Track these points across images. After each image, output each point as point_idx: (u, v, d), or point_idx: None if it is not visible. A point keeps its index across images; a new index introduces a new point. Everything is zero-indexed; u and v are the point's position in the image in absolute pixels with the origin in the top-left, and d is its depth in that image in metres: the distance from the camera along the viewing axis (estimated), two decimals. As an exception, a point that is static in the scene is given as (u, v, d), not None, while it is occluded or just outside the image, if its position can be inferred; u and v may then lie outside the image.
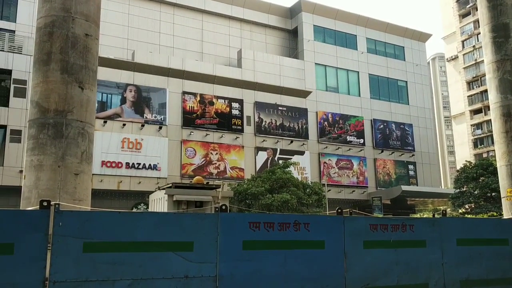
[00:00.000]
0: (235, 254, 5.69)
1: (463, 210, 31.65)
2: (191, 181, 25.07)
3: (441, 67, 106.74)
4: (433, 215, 7.52)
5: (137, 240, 5.19)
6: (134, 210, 26.96)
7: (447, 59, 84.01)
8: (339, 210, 6.46)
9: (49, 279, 4.74)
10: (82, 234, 4.93)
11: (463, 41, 73.88)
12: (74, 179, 9.09)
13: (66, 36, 9.39)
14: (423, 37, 43.47)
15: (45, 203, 4.87)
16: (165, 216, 6.08)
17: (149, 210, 15.29)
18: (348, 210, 6.74)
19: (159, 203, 12.80)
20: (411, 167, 39.13)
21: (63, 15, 9.44)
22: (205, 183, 14.29)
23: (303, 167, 33.18)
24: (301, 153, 33.65)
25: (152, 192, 26.91)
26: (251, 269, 5.73)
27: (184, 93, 30.25)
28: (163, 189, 12.80)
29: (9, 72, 25.57)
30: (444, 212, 7.27)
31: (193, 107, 30.41)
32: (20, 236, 4.69)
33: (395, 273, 6.67)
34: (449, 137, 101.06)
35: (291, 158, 31.73)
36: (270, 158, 32.36)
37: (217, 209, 5.70)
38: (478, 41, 70.14)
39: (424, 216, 41.19)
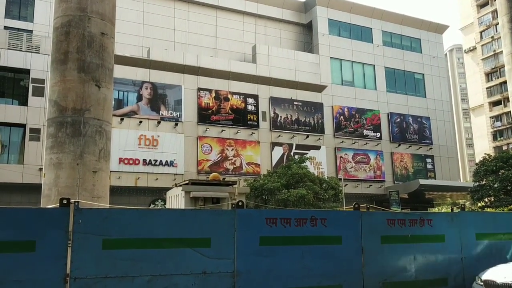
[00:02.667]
0: (252, 250, 5.72)
1: (483, 203, 31.20)
2: (207, 178, 25.22)
3: (458, 58, 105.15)
4: (452, 210, 7.44)
5: (155, 237, 5.25)
6: (152, 206, 27.22)
7: (465, 50, 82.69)
8: (356, 206, 6.43)
9: (70, 275, 4.83)
10: (101, 231, 5.01)
11: (481, 32, 72.62)
12: (93, 176, 9.21)
13: (83, 35, 9.50)
14: (440, 28, 42.84)
15: (65, 201, 4.95)
16: (183, 213, 6.13)
17: (167, 206, 15.43)
18: (365, 205, 6.72)
19: (176, 199, 12.91)
20: (428, 160, 38.70)
21: (79, 15, 9.55)
22: (221, 180, 14.34)
23: (319, 162, 33.06)
24: (317, 148, 33.52)
25: (169, 188, 27.15)
26: (269, 265, 5.75)
27: (199, 89, 30.35)
28: (180, 186, 12.89)
29: (27, 71, 25.94)
30: (463, 206, 7.19)
31: (209, 103, 30.50)
32: (42, 234, 4.78)
33: (413, 268, 6.64)
34: (468, 130, 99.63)
35: (307, 153, 31.62)
36: (286, 153, 32.31)
37: (234, 206, 5.73)
38: (496, 31, 68.87)
39: (443, 210, 40.73)
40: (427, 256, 6.76)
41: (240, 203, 5.76)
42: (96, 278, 4.92)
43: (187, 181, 12.84)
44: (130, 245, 5.13)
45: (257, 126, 31.70)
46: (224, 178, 16.55)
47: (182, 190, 12.17)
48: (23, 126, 25.61)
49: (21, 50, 25.87)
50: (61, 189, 8.92)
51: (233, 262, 5.58)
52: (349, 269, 6.20)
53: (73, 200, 5.01)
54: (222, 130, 30.52)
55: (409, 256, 6.61)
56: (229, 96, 31.16)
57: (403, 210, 25.76)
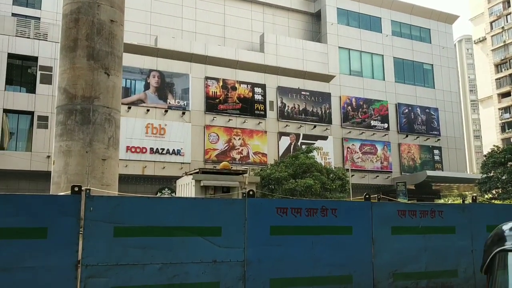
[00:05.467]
0: (263, 239, 5.70)
1: (490, 195, 31.08)
2: (214, 166, 25.25)
3: (467, 49, 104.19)
4: (463, 201, 7.38)
5: (166, 225, 5.24)
6: (159, 195, 27.33)
7: (474, 41, 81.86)
8: (367, 196, 6.39)
9: (81, 262, 4.84)
10: (112, 218, 5.01)
11: (491, 22, 71.75)
12: (102, 164, 9.22)
13: (92, 23, 9.45)
14: (450, 18, 42.37)
15: (76, 188, 4.94)
16: (194, 202, 6.11)
17: (177, 195, 15.48)
18: (376, 195, 6.68)
19: (186, 188, 12.92)
20: (436, 152, 38.51)
21: (88, 1, 9.48)
22: (231, 169, 14.34)
23: (326, 152, 32.98)
24: (324, 138, 33.42)
25: (175, 177, 27.20)
26: (279, 254, 5.74)
27: (206, 78, 30.27)
28: (191, 174, 12.89)
29: (35, 59, 25.96)
30: (474, 198, 7.13)
31: (216, 92, 30.43)
32: (53, 221, 4.78)
33: (423, 260, 6.60)
34: (476, 121, 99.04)
35: (314, 143, 31.52)
36: (293, 143, 32.26)
37: (244, 195, 5.71)
38: (507, 22, 68.08)
39: (449, 201, 40.60)
40: (437, 248, 6.72)
41: (251, 192, 5.73)
42: (107, 265, 4.93)
43: (198, 170, 12.84)
44: (141, 233, 5.13)
45: (264, 116, 31.63)
46: (232, 168, 16.57)
47: (192, 179, 12.17)
48: (31, 113, 25.70)
49: (29, 38, 25.88)
50: (71, 177, 8.94)
51: (244, 251, 5.56)
52: (359, 260, 6.18)
53: (85, 188, 5.00)
54: (229, 120, 30.48)
55: (419, 247, 6.57)
56: (237, 85, 31.06)
57: (409, 201, 25.72)
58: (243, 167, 26.34)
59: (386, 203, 6.82)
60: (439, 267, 6.69)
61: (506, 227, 2.53)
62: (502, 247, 2.36)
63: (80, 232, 4.89)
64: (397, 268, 6.39)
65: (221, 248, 5.45)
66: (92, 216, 4.92)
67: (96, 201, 5.02)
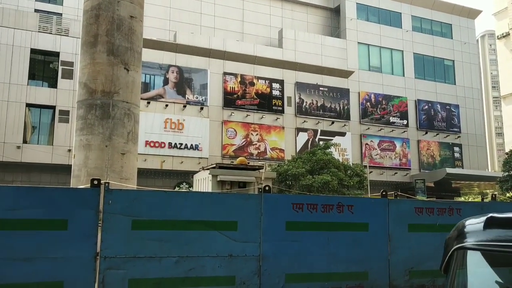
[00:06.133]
0: (278, 235, 5.73)
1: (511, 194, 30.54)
2: (232, 161, 25.35)
3: (490, 45, 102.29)
4: (482, 199, 7.30)
5: (183, 219, 5.31)
6: (176, 189, 27.57)
7: (497, 36, 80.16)
8: (384, 193, 6.37)
9: (100, 254, 4.94)
10: (131, 212, 5.09)
11: (515, 18, 70.10)
12: (121, 158, 9.36)
13: (112, 18, 9.57)
14: (472, 13, 41.60)
15: (95, 182, 5.04)
16: (211, 196, 6.18)
17: (194, 189, 15.62)
18: (393, 192, 6.65)
19: (203, 183, 13.03)
20: (456, 149, 37.97)
21: (109, -2, 9.61)
22: (248, 164, 14.39)
23: (344, 149, 32.82)
24: (342, 134, 33.26)
25: (193, 171, 27.36)
26: (294, 250, 5.77)
27: (225, 73, 30.36)
28: (207, 169, 13.00)
29: (57, 54, 26.38)
30: (494, 196, 7.04)
31: (234, 87, 30.50)
32: (73, 213, 4.89)
33: (440, 258, 6.55)
34: (498, 118, 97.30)
35: (332, 139, 31.41)
36: (310, 139, 32.17)
37: (260, 190, 5.74)
38: (531, 17, 66.48)
39: (469, 199, 40.02)
40: (455, 246, 6.66)
41: (267, 188, 5.77)
42: (125, 258, 5.02)
43: (214, 165, 12.93)
44: (158, 226, 5.21)
45: (282, 111, 31.60)
46: (248, 163, 16.64)
47: (209, 174, 12.27)
48: (53, 107, 26.14)
49: (51, 33, 26.30)
50: (90, 170, 9.10)
51: (259, 246, 5.60)
52: (375, 256, 6.16)
53: (104, 181, 5.10)
54: (247, 115, 30.53)
55: (436, 245, 6.51)
56: (255, 80, 31.08)
57: (428, 199, 25.45)
58: (260, 162, 26.36)
59: (403, 200, 6.78)
60: (456, 265, 6.63)
61: (467, 222, 2.31)
62: (461, 244, 2.19)
63: (99, 225, 5.00)
64: (414, 265, 6.36)
65: (237, 243, 5.50)
66: (111, 209, 5.01)
67: (114, 194, 5.11)
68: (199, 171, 14.54)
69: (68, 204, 4.91)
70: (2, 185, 5.23)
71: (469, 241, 2.15)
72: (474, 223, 2.24)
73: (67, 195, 5.04)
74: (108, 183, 5.11)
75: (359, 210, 6.14)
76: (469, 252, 2.14)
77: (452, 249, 2.19)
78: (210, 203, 5.56)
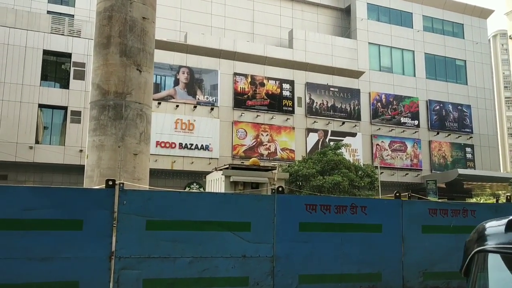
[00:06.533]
0: (292, 235, 5.73)
1: (524, 195, 30.20)
2: (242, 162, 25.38)
3: (502, 44, 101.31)
4: (497, 201, 7.23)
5: (197, 219, 5.33)
6: (187, 189, 27.65)
7: (509, 36, 79.42)
8: (397, 194, 6.34)
9: (114, 254, 4.97)
10: (145, 212, 5.12)
11: (528, 17, 69.43)
12: (133, 159, 9.42)
13: (125, 20, 9.64)
14: (484, 13, 41.22)
15: (110, 182, 5.07)
16: (224, 197, 6.19)
17: (206, 190, 15.67)
18: (406, 193, 6.61)
19: (216, 183, 13.07)
20: (468, 149, 37.64)
21: (121, -1, 9.67)
22: (260, 165, 14.40)
23: (355, 149, 32.69)
24: (353, 134, 33.13)
25: (204, 172, 27.41)
26: (308, 251, 5.76)
27: (235, 74, 30.39)
28: (220, 170, 13.03)
29: (69, 55, 26.59)
30: (508, 197, 6.97)
31: (244, 88, 30.52)
32: (88, 213, 4.93)
33: (454, 259, 6.49)
34: (510, 119, 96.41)
35: (342, 140, 31.29)
36: (321, 140, 32.09)
37: (273, 191, 5.74)
38: (545, 16, 65.75)
39: (481, 201, 39.64)
40: (469, 247, 6.60)
41: (280, 189, 5.76)
42: (139, 258, 5.05)
43: (227, 166, 12.96)
44: (172, 227, 5.23)
45: (292, 112, 31.57)
46: (260, 164, 16.68)
47: (222, 174, 12.30)
48: (65, 108, 26.35)
49: (63, 34, 26.52)
50: (103, 171, 9.17)
51: (273, 246, 5.61)
52: (389, 258, 6.14)
53: (118, 182, 5.13)
54: (257, 115, 30.53)
55: (451, 246, 6.47)
56: (265, 81, 31.08)
57: (440, 200, 25.27)
58: (270, 163, 26.37)
59: (416, 201, 6.74)
60: (470, 267, 6.57)
61: (488, 224, 2.29)
62: (482, 247, 2.16)
63: (114, 225, 5.03)
64: (427, 267, 6.33)
65: (250, 243, 5.51)
66: (125, 210, 5.04)
67: (129, 195, 5.15)
68: (212, 171, 14.59)
69: (83, 204, 4.95)
70: (18, 185, 5.28)
71: (490, 244, 2.12)
72: (495, 226, 2.22)
73: (83, 196, 5.09)
74: (123, 183, 5.14)
75: (372, 211, 6.12)
76: (490, 255, 2.11)
77: (473, 252, 2.17)
78: (224, 203, 5.58)
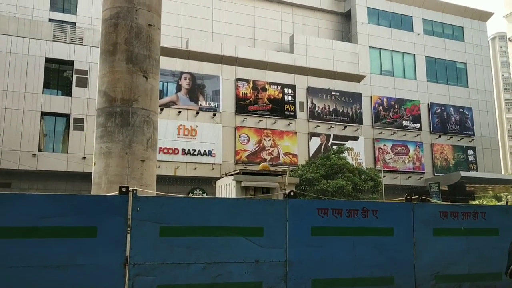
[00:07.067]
0: (304, 240, 5.74)
1: (528, 197, 30.21)
2: (245, 167, 25.36)
3: (501, 47, 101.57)
4: (507, 203, 7.24)
5: (210, 225, 5.34)
6: (190, 195, 27.64)
7: (509, 38, 79.62)
8: (408, 197, 6.35)
9: (129, 261, 4.98)
10: (158, 218, 5.13)
11: (527, 19, 69.61)
12: (141, 165, 9.42)
13: (130, 27, 9.67)
14: (484, 16, 41.35)
15: (124, 189, 5.08)
16: (236, 202, 6.20)
17: (216, 195, 15.68)
18: (417, 197, 6.62)
19: (226, 188, 13.09)
20: (470, 152, 37.63)
21: (127, 6, 9.71)
22: (271, 170, 14.43)
23: (357, 153, 32.70)
24: (355, 138, 33.14)
25: (207, 178, 27.44)
26: (320, 255, 5.76)
27: (237, 79, 30.45)
28: (231, 175, 13.04)
29: (71, 63, 26.65)
30: (507, 200, 6.98)
31: (246, 93, 30.57)
32: (102, 220, 4.94)
33: (466, 262, 6.51)
34: (510, 121, 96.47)
35: (344, 144, 31.30)
36: (323, 144, 32.10)
37: (285, 195, 5.75)
38: (544, 18, 65.92)
39: (484, 203, 39.56)
40: (480, 250, 6.61)
41: (291, 193, 5.77)
42: (154, 264, 5.05)
43: (238, 171, 12.99)
44: (186, 233, 5.24)
45: (294, 117, 31.60)
46: (270, 169, 16.74)
47: (233, 180, 12.32)
48: (67, 116, 26.38)
49: (65, 42, 26.60)
50: (111, 177, 9.17)
51: (285, 251, 5.61)
52: (401, 261, 6.14)
53: (132, 188, 5.14)
54: (260, 121, 30.56)
55: (462, 249, 6.48)
56: (267, 86, 31.13)
57: (444, 203, 25.25)
58: (273, 168, 26.36)
59: (427, 204, 6.76)
60: (482, 270, 6.58)
61: None
62: None
63: (128, 232, 5.04)
64: (439, 270, 6.33)
65: (263, 248, 5.51)
66: (139, 216, 5.05)
67: (142, 201, 5.16)
68: (222, 177, 14.63)
69: (97, 211, 4.96)
70: (34, 193, 5.29)
71: None
72: None
73: (97, 203, 5.09)
74: (136, 190, 5.15)
75: (383, 215, 6.13)
76: None
77: None
78: (236, 209, 5.59)
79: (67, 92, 26.82)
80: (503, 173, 57.29)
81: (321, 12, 37.32)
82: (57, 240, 4.74)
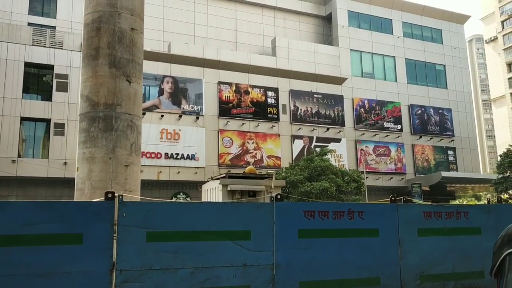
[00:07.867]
0: (291, 243, 5.75)
1: (506, 196, 30.77)
2: (229, 170, 25.32)
3: (478, 49, 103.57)
4: (488, 202, 7.37)
5: (197, 230, 5.32)
6: (174, 199, 27.47)
7: (485, 40, 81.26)
8: (393, 198, 6.42)
9: (115, 267, 4.93)
10: (145, 224, 5.09)
11: (502, 22, 71.22)
12: (125, 170, 9.34)
13: (113, 31, 9.60)
14: (461, 19, 42.13)
15: (109, 195, 5.03)
16: (223, 206, 6.18)
17: (202, 199, 15.59)
18: (402, 198, 6.70)
19: (213, 192, 13.01)
20: (450, 152, 38.24)
21: (109, 10, 9.63)
22: (257, 173, 14.41)
23: (340, 155, 32.93)
24: (338, 140, 33.39)
25: (190, 182, 27.30)
26: (307, 257, 5.78)
27: (219, 83, 30.43)
28: (217, 179, 12.98)
29: (51, 67, 26.29)
30: (500, 198, 7.12)
31: (229, 97, 30.56)
32: (88, 227, 4.88)
33: (450, 261, 6.61)
34: (488, 121, 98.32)
35: (327, 146, 31.51)
36: (306, 146, 32.26)
37: (272, 199, 5.77)
38: (519, 20, 67.45)
39: (464, 202, 40.18)
40: (463, 249, 6.72)
41: (278, 196, 5.79)
42: (141, 270, 5.01)
43: (224, 175, 12.94)
44: (173, 238, 5.21)
45: (277, 119, 31.70)
46: (257, 172, 16.72)
47: (219, 184, 12.26)
48: (47, 121, 26.00)
49: (44, 46, 26.23)
50: (94, 183, 9.07)
51: (273, 254, 5.62)
52: (386, 262, 6.20)
53: (118, 194, 5.10)
54: (243, 124, 30.58)
55: (446, 248, 6.57)
56: (249, 89, 31.18)
57: (425, 203, 25.58)
58: (257, 170, 26.38)
59: (412, 204, 6.84)
60: (465, 268, 6.69)
61: None
62: None
63: (114, 238, 4.99)
64: (424, 269, 6.40)
65: (251, 252, 5.51)
66: (125, 222, 5.00)
67: (128, 207, 5.11)
68: (208, 181, 14.53)
69: (83, 218, 4.90)
70: (18, 200, 5.21)
71: None
72: None
73: (82, 209, 5.03)
74: (122, 195, 5.11)
75: (369, 216, 6.18)
76: None
77: (504, 254, 2.26)
78: (223, 213, 5.57)
79: (47, 97, 26.45)
80: (482, 172, 58.31)
81: (303, 16, 37.55)
82: (43, 248, 4.67)
